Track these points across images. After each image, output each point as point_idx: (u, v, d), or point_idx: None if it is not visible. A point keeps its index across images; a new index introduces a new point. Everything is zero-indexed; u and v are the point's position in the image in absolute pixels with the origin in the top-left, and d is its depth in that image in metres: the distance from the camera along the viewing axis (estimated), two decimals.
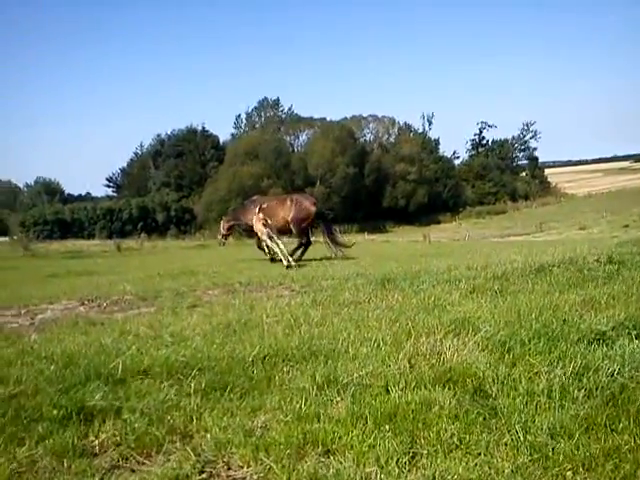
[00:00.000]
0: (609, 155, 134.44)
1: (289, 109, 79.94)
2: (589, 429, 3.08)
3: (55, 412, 3.34)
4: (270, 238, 16.52)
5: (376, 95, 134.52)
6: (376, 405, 3.50)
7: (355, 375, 4.02)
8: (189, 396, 3.66)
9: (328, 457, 2.94)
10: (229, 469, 2.86)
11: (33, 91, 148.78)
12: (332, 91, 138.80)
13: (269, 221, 16.91)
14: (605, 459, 2.80)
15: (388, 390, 3.76)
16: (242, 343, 5.02)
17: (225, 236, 20.77)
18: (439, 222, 67.34)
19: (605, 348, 4.31)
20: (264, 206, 17.87)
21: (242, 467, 2.85)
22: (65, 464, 2.83)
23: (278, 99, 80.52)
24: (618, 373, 3.68)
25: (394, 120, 77.98)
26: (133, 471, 2.85)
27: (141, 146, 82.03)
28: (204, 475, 2.78)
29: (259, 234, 17.05)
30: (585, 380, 3.66)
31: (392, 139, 77.52)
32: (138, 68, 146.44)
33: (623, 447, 2.87)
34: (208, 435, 3.13)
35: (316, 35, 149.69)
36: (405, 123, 78.69)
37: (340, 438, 3.11)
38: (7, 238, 57.16)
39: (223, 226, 20.37)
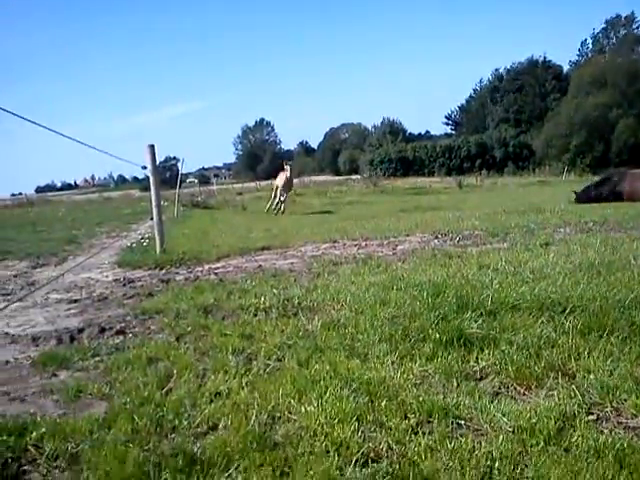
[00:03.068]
0: None
1: None
2: None
3: (438, 336, 3.60)
4: None
5: None
6: None
7: None
8: (565, 334, 3.58)
9: None
10: (619, 415, 2.72)
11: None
12: None
13: None
14: None
15: None
16: (612, 285, 4.71)
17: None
18: None
19: None
20: None
21: (636, 416, 2.69)
22: (454, 383, 3.04)
23: (632, 14, 71.08)
24: None
25: None
26: (515, 400, 2.92)
27: (480, 82, 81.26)
28: (592, 417, 2.70)
29: None
30: None
31: None
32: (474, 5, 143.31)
33: None
34: (592, 376, 3.03)
35: None
36: None
37: None
38: (359, 176, 62.91)
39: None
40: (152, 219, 9.45)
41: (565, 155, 58.96)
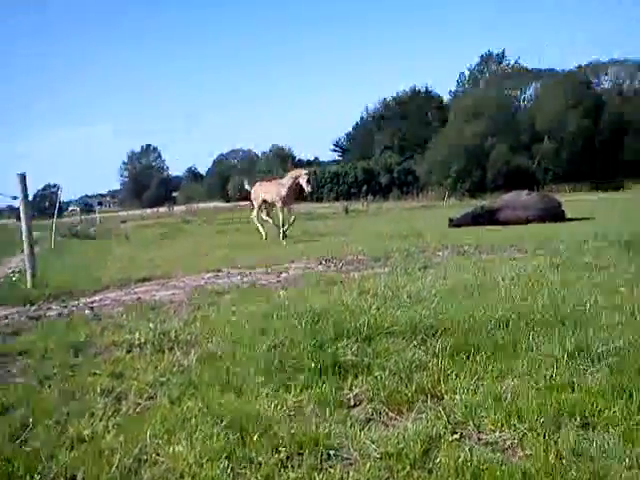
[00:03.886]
0: None
1: (515, 62, 75.64)
2: None
3: (314, 365, 3.62)
4: None
5: (618, 37, 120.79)
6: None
7: (611, 345, 3.75)
8: (435, 356, 3.72)
9: (588, 430, 2.79)
10: (480, 432, 2.85)
11: (266, 64, 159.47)
12: (563, 39, 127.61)
13: None
14: None
15: None
16: (481, 306, 4.96)
17: None
18: None
19: None
20: None
21: (494, 431, 2.83)
22: (327, 412, 3.06)
23: (503, 52, 76.56)
24: None
25: (638, 64, 69.65)
26: (386, 425, 2.98)
27: (366, 110, 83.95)
28: (456, 436, 2.81)
29: None
30: None
31: (637, 85, 69.47)
32: (363, 32, 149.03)
33: None
34: (457, 397, 3.16)
35: None
36: None
37: (600, 412, 2.93)
38: (248, 202, 62.58)
39: None
40: (23, 251, 8.93)
41: (446, 180, 61.92)
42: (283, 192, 15.05)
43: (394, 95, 79.19)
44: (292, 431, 2.79)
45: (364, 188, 67.39)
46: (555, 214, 17.01)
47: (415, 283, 6.46)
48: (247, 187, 17.19)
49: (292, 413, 3.07)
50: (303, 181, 14.81)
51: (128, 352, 4.39)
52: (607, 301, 5.01)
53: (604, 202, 30.13)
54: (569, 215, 17.55)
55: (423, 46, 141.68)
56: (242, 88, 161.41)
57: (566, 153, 61.82)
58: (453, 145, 62.76)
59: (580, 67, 70.70)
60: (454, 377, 3.42)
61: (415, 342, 4.01)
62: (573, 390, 3.21)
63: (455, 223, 17.49)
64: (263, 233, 15.70)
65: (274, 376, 3.54)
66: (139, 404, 3.29)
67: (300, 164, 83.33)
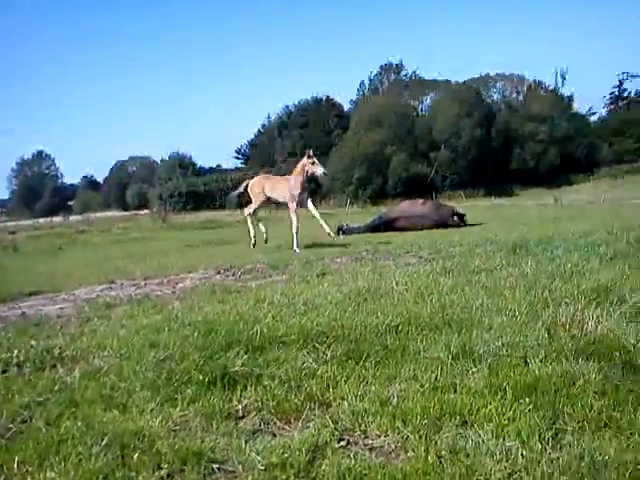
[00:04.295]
0: None
1: (413, 72, 78.37)
2: None
3: (202, 377, 3.55)
4: None
5: (504, 53, 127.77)
6: (515, 377, 3.39)
7: (491, 345, 3.92)
8: (325, 364, 3.75)
9: (466, 429, 2.90)
10: (366, 437, 2.90)
11: (165, 70, 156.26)
12: (458, 51, 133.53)
13: None
14: None
15: (526, 362, 3.64)
16: (374, 311, 5.06)
17: None
18: (571, 183, 63.45)
19: None
20: None
21: (379, 436, 2.88)
22: (214, 425, 3.01)
23: (401, 62, 79.15)
24: None
25: (523, 78, 74.12)
26: (274, 435, 2.97)
27: (268, 118, 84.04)
28: (342, 443, 2.83)
29: None
30: None
31: (521, 98, 73.86)
32: (264, 42, 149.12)
33: None
34: (345, 403, 3.19)
35: None
36: (535, 80, 74.54)
37: (478, 410, 3.05)
38: (147, 211, 61.14)
39: None
40: None
41: (348, 188, 63.06)
42: (295, 190, 12.90)
43: (296, 103, 79.85)
44: (176, 447, 2.72)
45: None
46: (449, 221, 17.74)
47: (312, 290, 6.50)
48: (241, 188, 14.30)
49: (177, 428, 2.99)
50: (312, 167, 12.77)
51: (3, 372, 4.12)
52: (493, 303, 5.23)
53: (496, 208, 31.70)
54: (464, 221, 18.32)
55: (325, 56, 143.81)
56: (141, 94, 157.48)
57: (461, 161, 64.67)
58: (354, 153, 64.06)
59: (472, 79, 74.27)
60: (343, 384, 3.46)
61: (307, 350, 4.03)
62: (455, 391, 3.33)
63: (346, 232, 17.85)
64: (253, 238, 13.51)
65: (161, 390, 3.44)
66: (10, 429, 3.08)
67: (202, 171, 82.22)
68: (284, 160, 73.91)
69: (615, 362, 3.49)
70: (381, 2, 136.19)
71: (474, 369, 3.63)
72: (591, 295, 5.13)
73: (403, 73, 79.62)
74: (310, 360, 3.81)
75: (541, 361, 3.63)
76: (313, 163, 12.75)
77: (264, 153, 79.01)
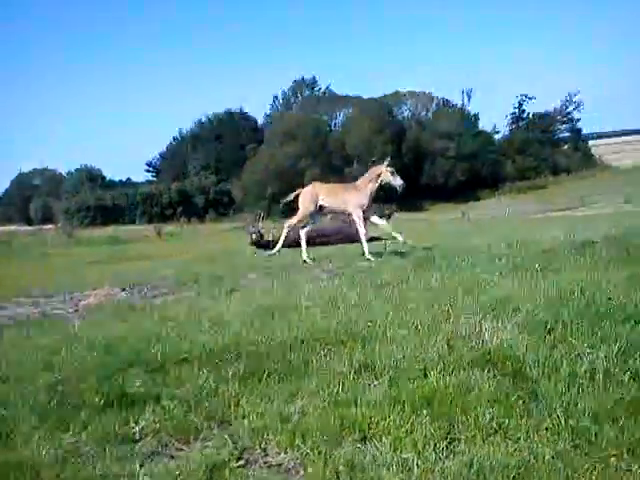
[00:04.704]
0: None
1: (327, 88, 79.47)
2: (635, 413, 2.99)
3: (97, 399, 3.41)
4: None
5: (415, 71, 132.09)
6: (414, 389, 3.47)
7: (392, 359, 4.00)
8: (227, 382, 3.70)
9: (365, 443, 2.93)
10: (266, 455, 2.88)
11: (70, 78, 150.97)
12: (371, 69, 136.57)
13: None
14: None
15: (426, 374, 3.73)
16: (281, 327, 5.05)
17: None
18: (478, 199, 66.16)
19: None
20: None
21: (279, 454, 2.86)
22: (107, 450, 2.89)
23: (314, 78, 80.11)
24: None
25: (432, 96, 76.78)
26: (172, 457, 2.89)
27: (180, 131, 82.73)
28: (241, 462, 2.80)
29: None
30: (631, 362, 3.56)
31: (430, 115, 76.46)
32: (176, 55, 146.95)
33: None
34: (245, 421, 3.16)
35: (349, 14, 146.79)
36: (443, 99, 77.42)
37: (377, 423, 3.09)
38: (53, 225, 58.67)
39: None
40: None
41: (262, 202, 62.94)
42: (364, 199, 11.11)
43: (209, 116, 79.14)
44: (62, 475, 2.59)
45: (179, 210, 66.20)
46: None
47: (219, 307, 6.42)
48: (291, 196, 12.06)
49: (67, 455, 2.85)
50: (389, 177, 11.04)
51: None
52: (397, 316, 5.34)
53: (407, 222, 32.54)
54: (375, 235, 18.67)
55: (238, 70, 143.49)
56: (47, 103, 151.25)
57: None
58: (268, 167, 64.10)
59: (384, 96, 76.20)
60: (245, 401, 3.42)
61: (209, 368, 3.96)
62: (356, 405, 3.36)
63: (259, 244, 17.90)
64: (277, 248, 11.61)
65: (51, 415, 3.28)
66: None
67: (111, 185, 79.84)
68: (197, 173, 73.05)
69: (507, 371, 3.64)
70: (294, 18, 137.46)
71: (375, 382, 3.68)
72: (490, 307, 5.33)
73: (317, 89, 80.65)
74: (211, 378, 3.75)
75: (440, 372, 3.72)
76: (393, 173, 11.13)
77: (176, 166, 77.63)
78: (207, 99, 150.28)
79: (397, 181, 11.14)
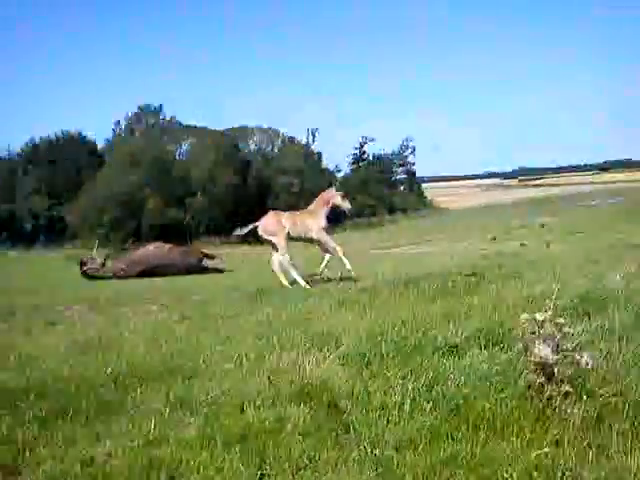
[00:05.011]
0: (485, 172, 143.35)
1: (172, 117, 78.16)
2: (433, 439, 3.15)
3: None
4: None
5: (264, 108, 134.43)
6: (228, 425, 3.41)
7: (211, 394, 3.91)
8: (24, 425, 3.38)
9: None
10: None
11: None
12: (221, 102, 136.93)
13: None
14: (443, 467, 2.87)
15: (243, 409, 3.68)
16: (97, 363, 4.76)
17: None
18: None
19: (457, 359, 4.45)
20: None
21: None
22: None
23: (161, 106, 78.48)
24: (464, 384, 3.80)
25: (278, 132, 78.38)
26: None
27: (8, 150, 76.83)
28: None
29: None
30: (434, 392, 3.76)
31: (276, 150, 77.92)
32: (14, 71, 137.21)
33: (460, 455, 2.96)
34: (40, 469, 2.90)
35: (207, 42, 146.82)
36: (289, 137, 79.33)
37: (187, 462, 2.99)
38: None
39: None
40: None
41: (100, 229, 59.98)
42: (323, 222, 11.35)
43: (43, 137, 74.44)
44: None
45: (6, 234, 61.19)
46: (196, 267, 17.80)
47: (33, 342, 5.95)
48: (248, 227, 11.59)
49: None
50: (340, 201, 11.58)
51: None
52: (224, 350, 5.26)
53: (250, 255, 32.58)
54: (213, 267, 18.51)
55: (77, 92, 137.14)
56: None
57: (218, 208, 65.57)
58: (107, 194, 61.44)
59: (231, 129, 76.57)
60: (41, 446, 3.14)
61: (6, 410, 3.61)
62: (168, 443, 3.23)
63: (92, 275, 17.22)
64: (301, 281, 10.81)
65: None
66: None
67: None
68: (27, 197, 68.22)
69: (322, 405, 3.69)
70: (139, 46, 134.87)
71: (191, 419, 3.58)
72: (315, 340, 5.41)
73: (162, 117, 79.09)
74: (6, 422, 3.41)
75: (257, 407, 3.70)
76: (343, 197, 11.86)
77: (3, 189, 71.90)
78: (43, 119, 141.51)
79: (346, 204, 11.91)
